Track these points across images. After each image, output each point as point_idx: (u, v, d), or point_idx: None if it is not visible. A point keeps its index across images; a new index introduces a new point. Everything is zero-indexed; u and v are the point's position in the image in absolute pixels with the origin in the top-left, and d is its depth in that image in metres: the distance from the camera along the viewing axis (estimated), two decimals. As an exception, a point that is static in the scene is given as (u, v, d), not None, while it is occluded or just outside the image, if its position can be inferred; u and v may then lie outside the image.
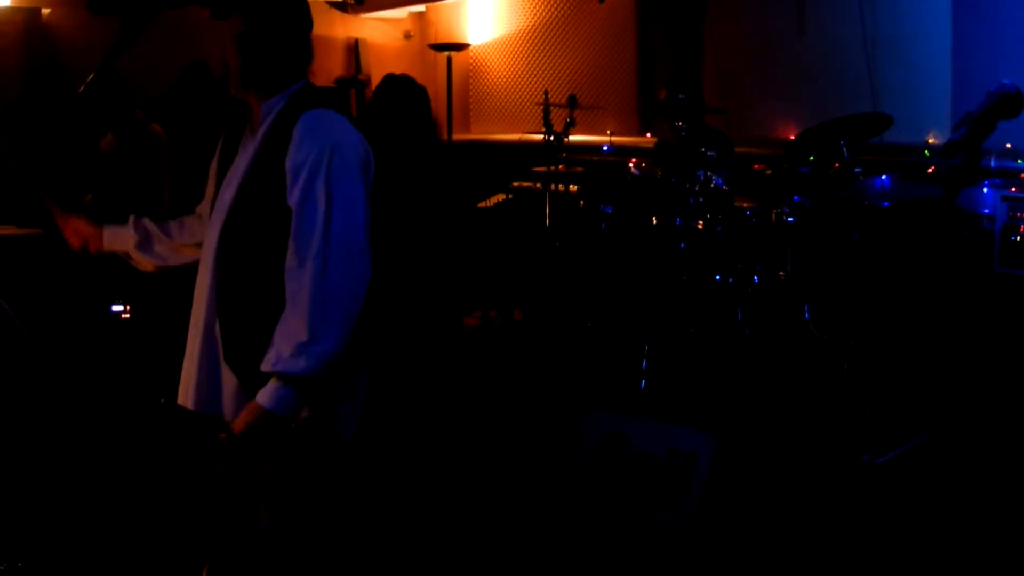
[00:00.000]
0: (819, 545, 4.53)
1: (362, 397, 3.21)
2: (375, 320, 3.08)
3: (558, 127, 7.77)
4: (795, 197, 6.73)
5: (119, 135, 6.30)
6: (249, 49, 3.02)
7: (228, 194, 3.07)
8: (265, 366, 2.83)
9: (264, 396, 2.83)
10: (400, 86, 5.21)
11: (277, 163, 2.93)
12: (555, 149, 7.63)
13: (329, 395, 3.03)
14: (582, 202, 6.98)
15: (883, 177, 7.91)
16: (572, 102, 7.52)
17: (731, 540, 4.66)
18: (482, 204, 8.98)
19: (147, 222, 3.43)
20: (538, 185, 7.97)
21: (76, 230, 3.46)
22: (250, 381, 2.93)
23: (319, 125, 2.95)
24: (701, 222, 6.53)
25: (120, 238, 3.43)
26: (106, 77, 6.31)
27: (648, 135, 8.52)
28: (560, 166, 7.68)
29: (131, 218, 3.43)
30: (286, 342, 2.81)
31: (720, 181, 6.57)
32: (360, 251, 2.92)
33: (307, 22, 3.15)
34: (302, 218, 2.88)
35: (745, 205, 7.07)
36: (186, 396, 3.14)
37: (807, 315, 6.41)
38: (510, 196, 8.73)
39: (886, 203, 7.47)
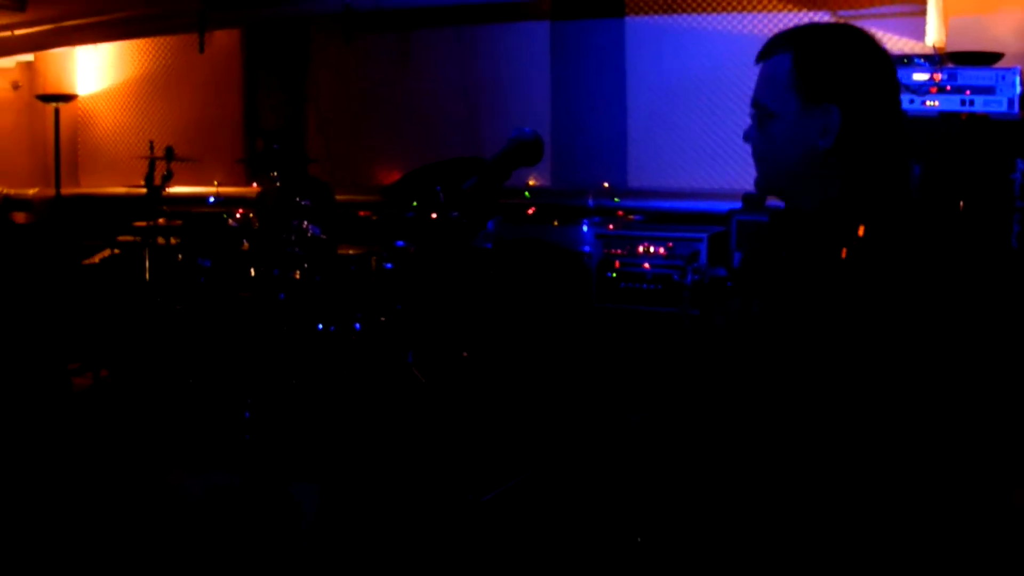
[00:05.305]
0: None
1: None
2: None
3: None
4: (398, 243, 6.81)
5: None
6: None
7: None
8: None
9: None
10: None
11: None
12: (155, 202, 7.43)
13: None
14: (180, 256, 6.83)
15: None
16: (169, 154, 7.34)
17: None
18: (88, 260, 8.68)
19: None
20: (139, 239, 7.75)
21: None
22: None
23: None
24: (299, 272, 6.49)
25: None
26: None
27: (255, 184, 8.43)
28: (160, 219, 7.49)
29: None
30: None
31: (317, 230, 6.56)
32: None
33: None
34: None
35: (351, 252, 7.10)
36: None
37: (410, 359, 6.47)
38: (116, 251, 8.47)
39: (488, 244, 7.68)
